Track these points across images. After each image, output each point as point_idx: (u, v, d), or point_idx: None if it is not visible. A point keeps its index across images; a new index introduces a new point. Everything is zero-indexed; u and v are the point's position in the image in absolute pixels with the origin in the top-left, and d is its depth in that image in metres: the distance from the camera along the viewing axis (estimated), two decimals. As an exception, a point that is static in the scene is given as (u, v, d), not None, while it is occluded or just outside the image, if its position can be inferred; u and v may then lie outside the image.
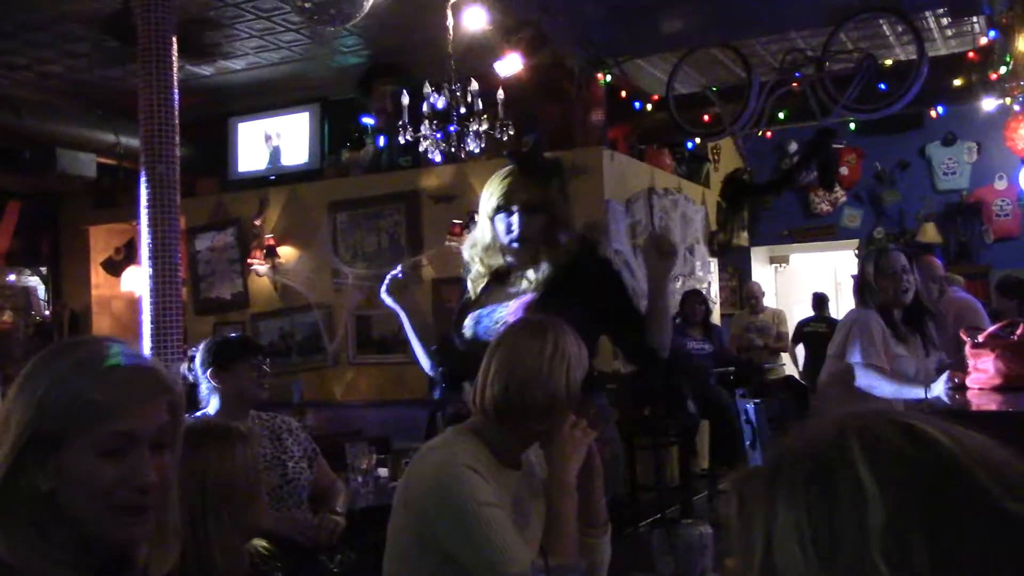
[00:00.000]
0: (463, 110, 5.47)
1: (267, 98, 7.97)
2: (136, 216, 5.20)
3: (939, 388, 3.59)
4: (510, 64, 5.94)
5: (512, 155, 3.01)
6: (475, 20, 5.39)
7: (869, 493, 0.69)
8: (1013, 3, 6.28)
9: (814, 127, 8.08)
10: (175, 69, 5.03)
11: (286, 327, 7.77)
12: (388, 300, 2.99)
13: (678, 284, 7.99)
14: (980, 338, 3.74)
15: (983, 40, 7.02)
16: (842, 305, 9.33)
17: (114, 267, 9.00)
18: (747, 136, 8.88)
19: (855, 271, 4.07)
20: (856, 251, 9.52)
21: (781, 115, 7.07)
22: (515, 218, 2.78)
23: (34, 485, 1.23)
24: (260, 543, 3.01)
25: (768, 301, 9.30)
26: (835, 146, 9.16)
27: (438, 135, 5.53)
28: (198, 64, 7.10)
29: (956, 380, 3.82)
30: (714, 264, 9.10)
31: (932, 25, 7.42)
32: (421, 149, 6.48)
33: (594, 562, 2.10)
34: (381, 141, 7.47)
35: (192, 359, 3.45)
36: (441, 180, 7.15)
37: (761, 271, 10.49)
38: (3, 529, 1.23)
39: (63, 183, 8.08)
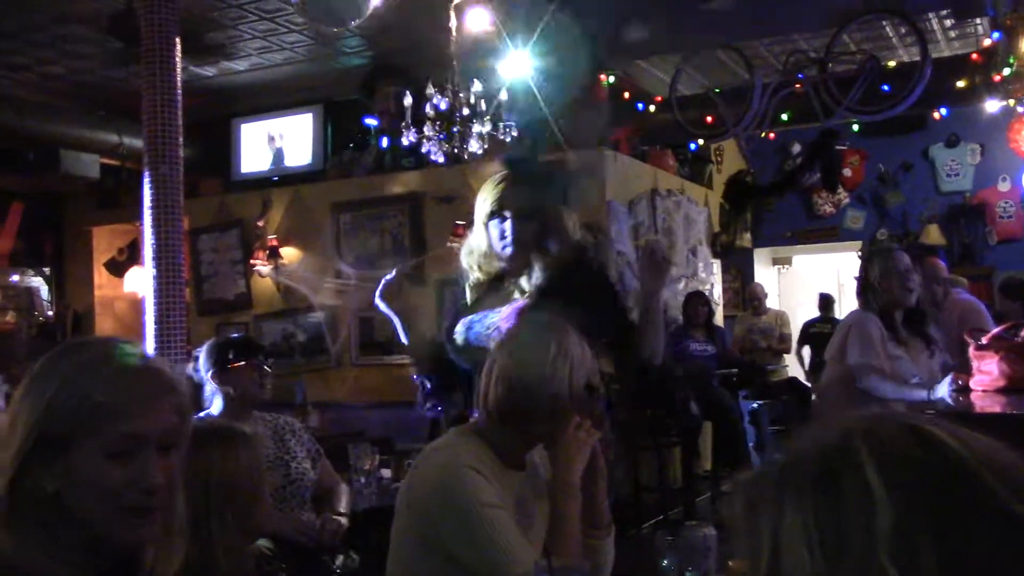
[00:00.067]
0: (466, 111, 5.47)
1: (270, 99, 7.98)
2: (139, 217, 5.21)
3: (943, 390, 3.59)
4: (513, 65, 5.93)
5: (507, 159, 3.00)
6: (478, 21, 5.38)
7: (877, 495, 0.69)
8: (1017, 5, 6.28)
9: (817, 129, 8.07)
10: (179, 70, 5.04)
11: (289, 328, 7.78)
12: (382, 306, 2.97)
13: (681, 285, 7.99)
14: (984, 340, 3.75)
15: (987, 41, 7.01)
16: (845, 307, 9.32)
17: (117, 268, 9.01)
18: (750, 137, 8.88)
19: (859, 273, 4.04)
20: (859, 253, 9.51)
21: (784, 116, 7.05)
22: (508, 224, 2.77)
23: (42, 486, 1.23)
24: (263, 543, 3.01)
25: (771, 303, 9.29)
26: (838, 148, 9.14)
27: (441, 136, 5.53)
28: (201, 65, 7.10)
29: (959, 382, 3.83)
30: (717, 266, 9.10)
31: (935, 27, 7.42)
32: (424, 150, 6.49)
33: (597, 563, 2.10)
34: (384, 142, 7.47)
35: (197, 359, 3.46)
36: (444, 181, 7.15)
37: (764, 273, 10.48)
38: (11, 530, 1.23)
39: (66, 184, 8.10)
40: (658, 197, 7.69)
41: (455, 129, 5.58)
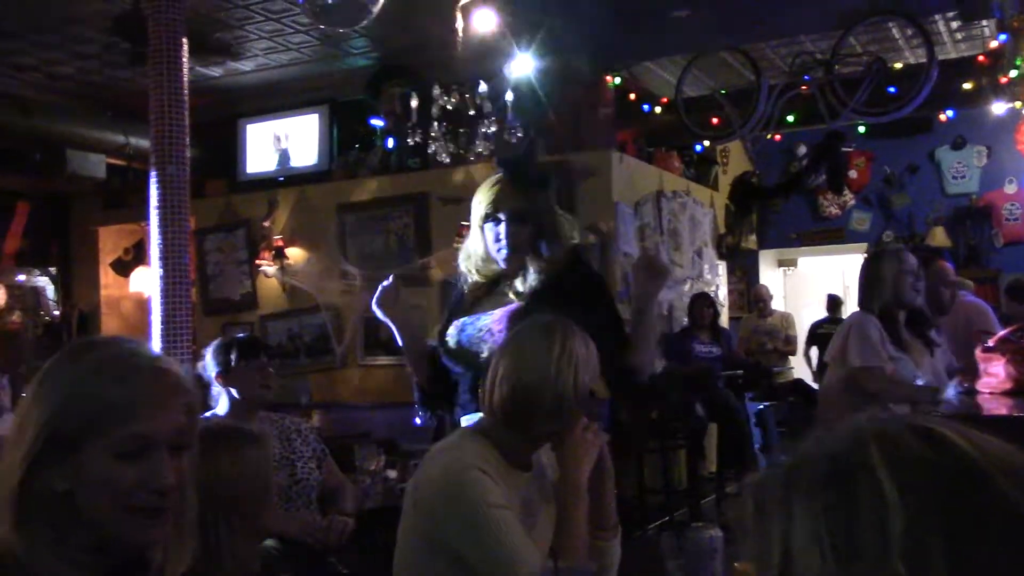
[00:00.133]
0: (472, 112, 5.48)
1: (276, 99, 7.98)
2: (145, 217, 5.22)
3: (948, 391, 3.58)
4: (520, 66, 5.94)
5: (502, 162, 2.98)
6: (484, 22, 5.39)
7: (889, 498, 0.69)
8: (1023, 7, 6.27)
9: (823, 130, 8.06)
10: (185, 70, 5.04)
11: (294, 328, 7.78)
12: (379, 313, 2.93)
13: (686, 287, 7.99)
14: (991, 342, 3.74)
15: (993, 43, 7.00)
16: (852, 309, 9.30)
17: (123, 268, 9.02)
18: (756, 139, 8.88)
19: (862, 273, 4.02)
20: (866, 255, 9.49)
21: (790, 118, 7.05)
22: (502, 227, 2.75)
23: (52, 487, 1.23)
24: (270, 543, 3.01)
25: (776, 304, 9.29)
26: (844, 149, 9.14)
27: (447, 137, 5.54)
28: (207, 65, 7.11)
29: (965, 385, 3.82)
30: (722, 267, 9.09)
31: (942, 28, 7.41)
32: (430, 151, 6.50)
33: (604, 565, 2.10)
34: (390, 143, 7.47)
35: (205, 359, 3.47)
36: (449, 182, 7.15)
37: (769, 274, 10.48)
38: (21, 530, 1.23)
39: (73, 184, 8.11)
40: (664, 198, 7.69)
41: (461, 130, 5.59)
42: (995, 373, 3.72)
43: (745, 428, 6.79)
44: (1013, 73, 6.53)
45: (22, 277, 8.97)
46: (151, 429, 1.27)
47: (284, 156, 8.19)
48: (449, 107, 5.68)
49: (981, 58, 6.87)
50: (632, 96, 7.50)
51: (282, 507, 3.25)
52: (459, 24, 5.30)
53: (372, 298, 2.95)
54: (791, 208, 10.11)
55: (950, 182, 9.57)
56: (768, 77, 7.04)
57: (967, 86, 6.80)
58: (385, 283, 2.94)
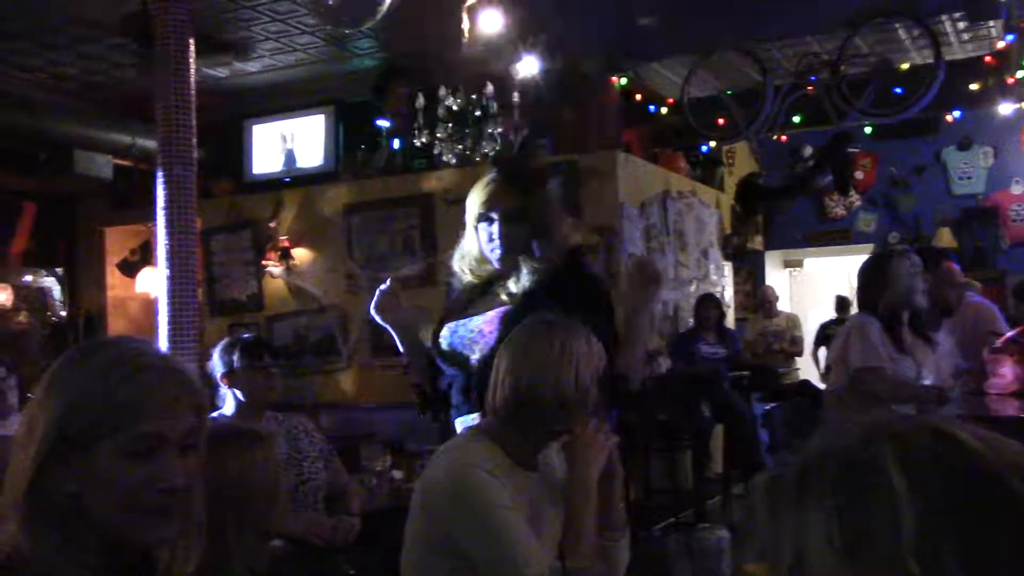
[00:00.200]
0: (478, 113, 5.48)
1: (282, 100, 7.99)
2: (152, 218, 5.23)
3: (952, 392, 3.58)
4: (526, 67, 5.94)
5: (496, 161, 2.96)
6: (491, 23, 5.39)
7: (901, 497, 0.69)
8: (1031, 7, 6.26)
9: (829, 131, 8.05)
10: (192, 71, 5.05)
11: (300, 329, 7.79)
12: (378, 318, 2.88)
13: (692, 288, 7.98)
14: (998, 343, 3.73)
15: (1000, 44, 6.99)
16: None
17: (129, 268, 9.03)
18: (762, 140, 8.87)
19: (864, 275, 4.00)
20: (868, 256, 9.47)
21: (796, 119, 7.05)
22: (495, 226, 2.71)
23: (61, 487, 1.23)
24: (277, 543, 3.02)
25: (782, 305, 9.27)
26: (850, 150, 9.12)
27: (453, 137, 5.54)
28: (214, 66, 7.12)
29: (971, 385, 3.81)
30: (728, 268, 9.08)
31: (948, 29, 7.39)
32: (436, 151, 6.50)
33: (611, 565, 2.10)
34: (396, 143, 7.48)
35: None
36: (455, 183, 7.15)
37: (775, 275, 10.46)
38: (30, 530, 1.23)
39: (79, 185, 8.13)
40: (669, 199, 7.68)
41: (467, 130, 5.59)
42: (1003, 374, 3.71)
43: (751, 429, 6.80)
44: (1020, 74, 6.52)
45: (29, 278, 8.99)
46: (161, 429, 1.27)
47: (290, 157, 8.20)
48: (455, 108, 5.67)
49: (988, 59, 6.86)
50: (638, 97, 7.49)
51: (289, 507, 3.26)
52: (465, 25, 5.31)
53: (370, 302, 2.92)
54: (797, 209, 10.09)
55: (956, 183, 9.55)
56: (774, 78, 7.04)
57: (974, 87, 6.79)
58: (383, 287, 2.90)
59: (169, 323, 4.97)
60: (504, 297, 2.71)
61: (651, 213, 7.37)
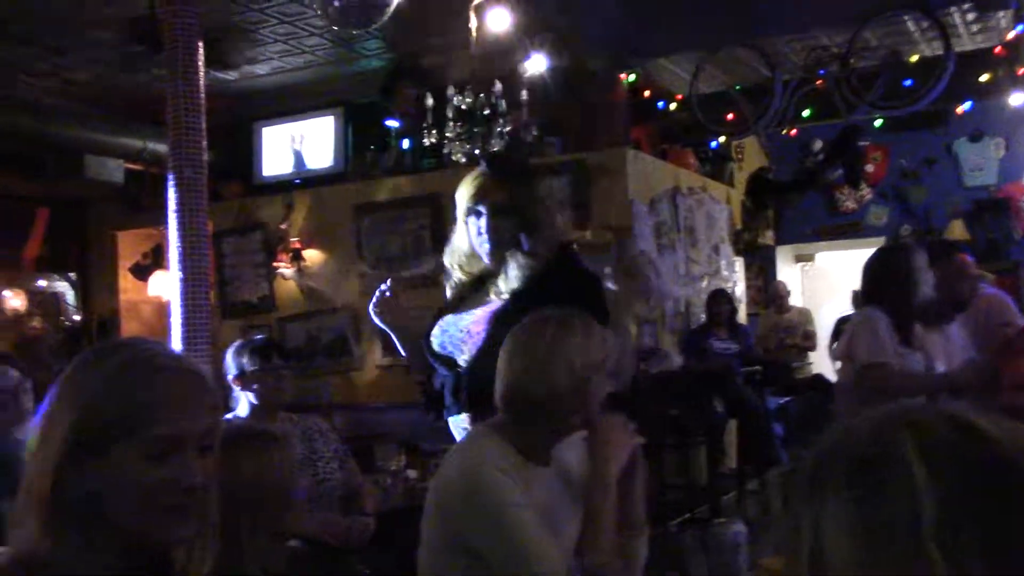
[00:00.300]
0: (487, 112, 5.48)
1: (291, 102, 8.00)
2: (163, 221, 5.24)
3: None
4: (534, 65, 5.94)
5: (485, 155, 2.94)
6: (498, 21, 5.39)
7: (921, 485, 0.69)
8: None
9: (839, 125, 8.03)
10: (201, 74, 5.06)
11: (312, 330, 7.80)
12: (377, 320, 2.85)
13: (704, 284, 7.97)
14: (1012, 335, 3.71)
15: (1010, 35, 6.96)
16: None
17: (142, 272, 9.06)
18: (771, 135, 8.85)
19: (872, 269, 3.96)
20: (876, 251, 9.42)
21: (806, 113, 7.03)
22: (484, 220, 2.68)
23: (80, 488, 1.24)
24: (291, 543, 3.02)
25: (794, 300, 9.25)
26: (860, 143, 9.09)
27: (462, 136, 5.54)
28: (222, 69, 7.14)
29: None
30: (739, 263, 9.06)
31: (958, 20, 7.36)
32: (445, 151, 6.51)
33: (629, 562, 2.09)
34: (405, 143, 7.48)
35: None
36: (465, 182, 7.15)
37: (787, 270, 10.43)
38: (49, 532, 1.24)
39: (91, 189, 8.16)
40: (679, 196, 7.67)
41: (476, 129, 5.59)
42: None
43: (764, 424, 6.79)
44: (1030, 64, 6.49)
45: (42, 283, 9.03)
46: (180, 430, 1.28)
47: (300, 158, 8.21)
48: (464, 107, 5.68)
49: (998, 49, 6.83)
50: (647, 93, 7.48)
51: (304, 508, 3.27)
52: (473, 24, 5.31)
53: (369, 304, 2.89)
54: (808, 203, 10.06)
55: (968, 175, 9.51)
56: (783, 72, 7.02)
57: (984, 78, 6.76)
58: (382, 287, 2.87)
59: (182, 326, 4.98)
60: (494, 295, 2.69)
61: (661, 210, 7.36)
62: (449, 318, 2.74)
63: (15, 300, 8.47)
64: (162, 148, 5.85)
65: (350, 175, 7.89)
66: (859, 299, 9.15)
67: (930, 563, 0.67)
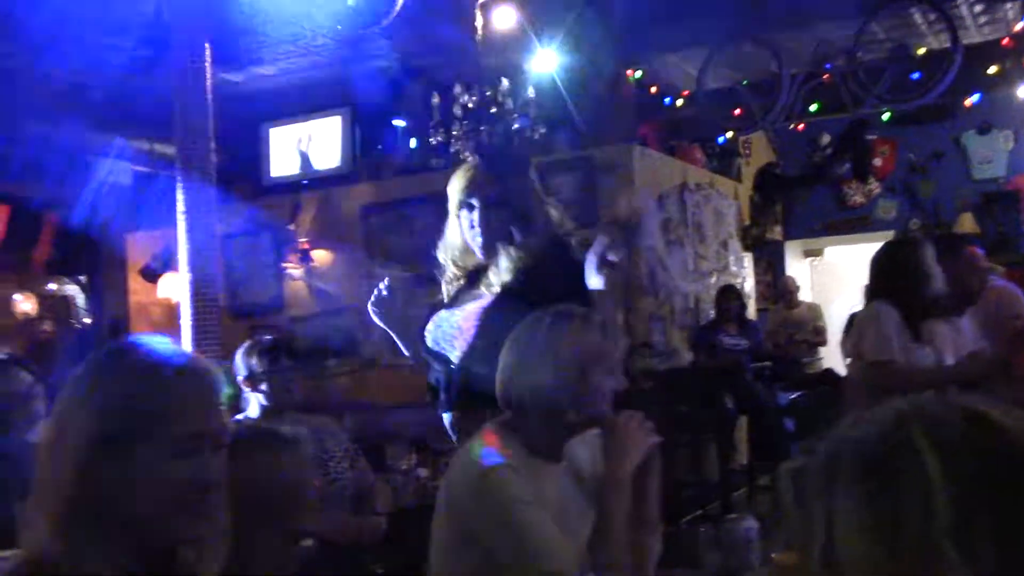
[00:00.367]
0: (493, 110, 5.47)
1: (298, 103, 8.01)
2: (172, 223, 5.25)
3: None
4: (540, 62, 5.94)
5: (477, 148, 2.93)
6: (504, 19, 5.39)
7: (933, 478, 0.69)
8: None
9: (847, 119, 8.01)
10: (208, 75, 5.07)
11: (322, 331, 7.81)
12: (377, 319, 2.83)
13: (713, 280, 7.96)
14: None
15: (1017, 26, 6.93)
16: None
17: (151, 274, 9.08)
18: (779, 129, 8.82)
19: (879, 264, 3.93)
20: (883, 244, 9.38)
21: (813, 107, 7.01)
22: (476, 214, 2.67)
23: (100, 488, 1.24)
24: (303, 543, 3.03)
25: (803, 295, 9.22)
26: (868, 137, 9.07)
27: (469, 135, 5.53)
28: (229, 70, 7.14)
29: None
30: (748, 259, 9.04)
31: (965, 12, 7.33)
32: (452, 150, 6.50)
33: (641, 560, 2.08)
34: (412, 143, 7.48)
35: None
36: (473, 181, 7.15)
37: (796, 265, 10.41)
38: (62, 532, 1.24)
39: (100, 192, 8.17)
40: (687, 192, 7.66)
41: (482, 127, 5.58)
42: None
43: (775, 420, 6.78)
44: (1039, 56, 6.47)
45: (53, 286, 9.06)
46: (202, 428, 1.31)
47: (307, 159, 8.22)
48: (471, 105, 5.67)
49: (1005, 41, 6.81)
50: (653, 89, 7.47)
51: (317, 508, 3.27)
52: (479, 22, 5.31)
53: (368, 303, 2.87)
54: (816, 198, 10.03)
55: (977, 167, 9.47)
56: (790, 67, 7.00)
57: (992, 70, 6.74)
58: (381, 286, 2.85)
59: (192, 327, 5.00)
60: (485, 289, 2.67)
61: (669, 206, 7.35)
62: (443, 313, 2.73)
63: (26, 303, 8.50)
64: (170, 151, 5.86)
65: (358, 175, 7.90)
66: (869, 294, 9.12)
67: (943, 556, 0.67)
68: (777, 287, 9.40)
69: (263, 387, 3.37)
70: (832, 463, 0.76)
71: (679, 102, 7.47)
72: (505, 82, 5.45)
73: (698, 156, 8.21)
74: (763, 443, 6.88)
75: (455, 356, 2.66)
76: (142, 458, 1.26)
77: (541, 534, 1.93)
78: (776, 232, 9.89)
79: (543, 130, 5.58)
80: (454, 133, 5.58)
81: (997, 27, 7.62)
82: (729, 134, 7.92)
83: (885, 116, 7.74)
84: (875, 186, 9.90)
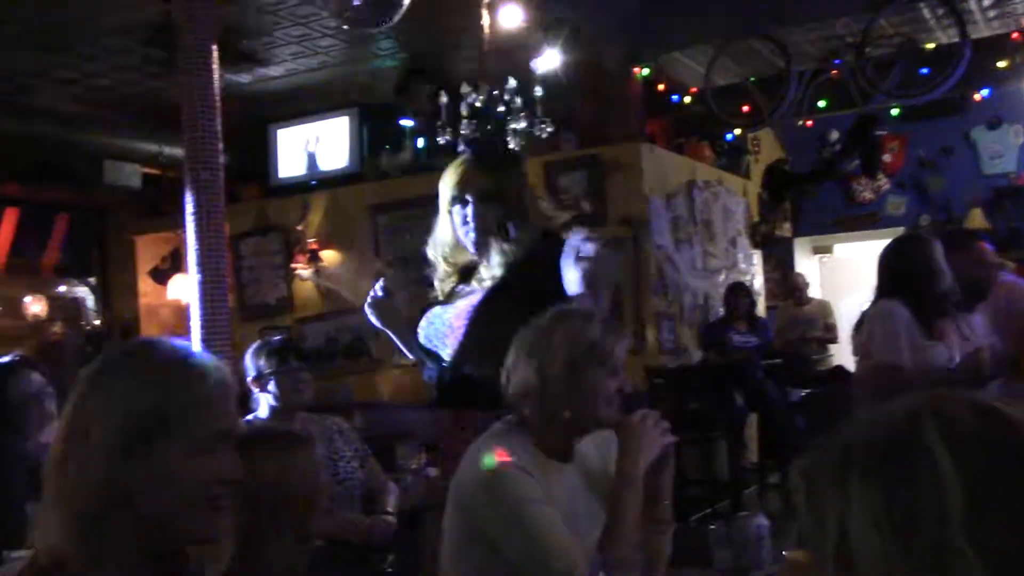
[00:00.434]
0: (501, 109, 5.47)
1: (306, 104, 8.02)
2: (181, 225, 5.27)
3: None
4: (548, 61, 5.93)
5: (469, 143, 2.92)
6: (511, 18, 5.38)
7: (947, 475, 0.69)
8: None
9: (855, 115, 7.98)
10: (216, 77, 5.08)
11: (331, 331, 7.82)
12: (373, 320, 2.82)
13: (722, 277, 7.95)
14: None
15: (1027, 20, 6.90)
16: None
17: (161, 276, 9.11)
18: (787, 126, 8.80)
19: (888, 261, 3.90)
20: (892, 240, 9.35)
21: (821, 103, 6.99)
22: (470, 209, 2.65)
23: (119, 486, 1.25)
24: (314, 543, 3.03)
25: (813, 292, 9.20)
26: (877, 133, 9.03)
27: (477, 134, 5.53)
28: (236, 72, 7.16)
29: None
30: (757, 256, 9.03)
31: (973, 7, 7.30)
32: (460, 149, 6.50)
33: (653, 558, 2.08)
34: (420, 142, 7.49)
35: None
36: (481, 180, 7.14)
37: (805, 262, 10.38)
38: (75, 532, 1.24)
39: (109, 195, 8.21)
40: (696, 189, 7.65)
41: (490, 127, 5.58)
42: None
43: (785, 417, 6.76)
44: (1048, 50, 6.44)
45: (63, 288, 9.09)
46: (225, 425, 1.33)
47: (316, 159, 8.23)
48: (478, 104, 5.67)
49: (1015, 35, 6.77)
50: (661, 87, 7.46)
51: (328, 508, 3.27)
52: (485, 20, 5.31)
53: (365, 304, 2.85)
54: (825, 194, 10.00)
55: (987, 163, 9.43)
56: (798, 63, 6.98)
57: (1001, 64, 6.71)
58: (376, 287, 2.83)
59: (201, 328, 5.01)
60: (476, 283, 2.66)
61: (677, 204, 7.34)
62: (436, 310, 2.72)
63: (36, 305, 8.53)
64: (178, 152, 5.88)
65: (366, 175, 7.91)
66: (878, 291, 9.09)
67: (958, 552, 0.67)
68: (786, 284, 9.38)
69: (272, 387, 3.38)
70: (844, 461, 0.75)
71: (687, 99, 7.46)
72: (512, 81, 5.45)
73: (706, 153, 8.19)
74: (773, 440, 6.87)
75: (447, 354, 2.65)
76: (169, 456, 1.27)
77: (549, 533, 1.93)
78: (785, 229, 9.86)
79: (550, 128, 5.56)
80: (462, 132, 5.57)
81: (1006, 21, 7.59)
82: (737, 131, 7.90)
83: (894, 112, 7.72)
84: (884, 182, 9.86)
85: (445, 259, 2.77)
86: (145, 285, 9.24)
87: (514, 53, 5.73)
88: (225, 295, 5.14)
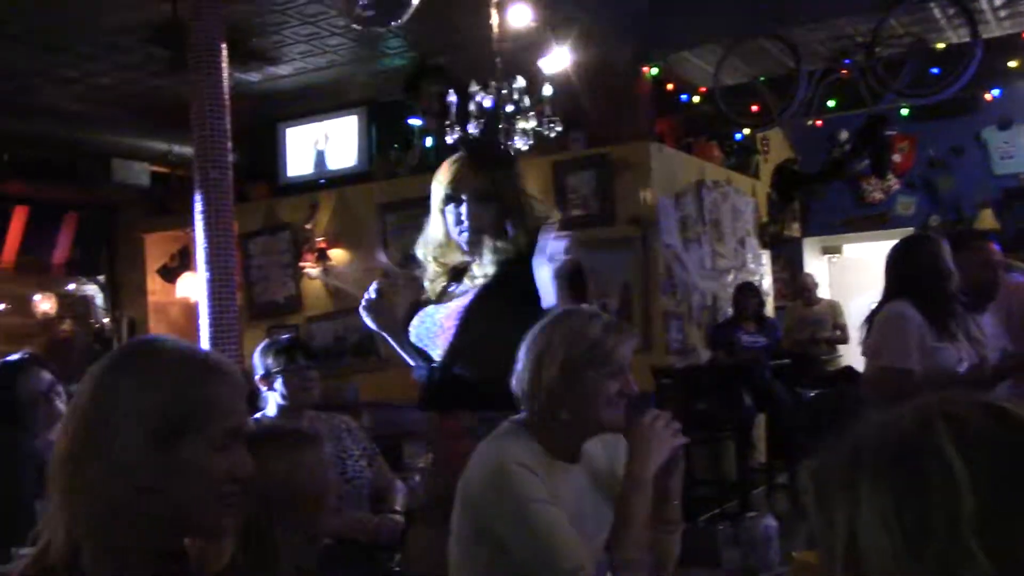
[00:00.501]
0: (510, 108, 5.46)
1: (315, 103, 8.03)
2: (190, 223, 5.28)
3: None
4: (556, 60, 5.92)
5: (462, 142, 2.90)
6: (520, 17, 5.38)
7: (959, 476, 0.68)
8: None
9: (865, 114, 7.96)
10: (225, 76, 5.09)
11: (339, 330, 7.83)
12: (368, 322, 2.80)
13: (730, 277, 7.93)
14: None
15: (1038, 20, 6.87)
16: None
17: (169, 274, 9.13)
18: (797, 126, 8.78)
19: (897, 262, 3.88)
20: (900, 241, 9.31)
21: (831, 103, 6.97)
22: (464, 208, 2.63)
23: (145, 483, 1.25)
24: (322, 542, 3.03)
25: (822, 292, 9.18)
26: (887, 133, 9.00)
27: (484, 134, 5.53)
28: (245, 71, 7.17)
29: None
30: (766, 256, 9.01)
31: (984, 6, 7.27)
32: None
33: (661, 559, 2.07)
34: (428, 141, 7.49)
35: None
36: (489, 179, 7.14)
37: (814, 262, 10.36)
38: (83, 529, 1.24)
39: (118, 193, 8.23)
40: (704, 189, 7.63)
41: (499, 126, 5.56)
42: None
43: (794, 417, 6.75)
44: (1060, 49, 6.41)
45: (72, 286, 9.12)
46: (239, 422, 1.35)
47: (324, 158, 8.24)
48: (486, 104, 5.66)
49: (1026, 35, 6.75)
50: (670, 86, 7.45)
51: (337, 507, 3.27)
52: (494, 19, 5.30)
53: (359, 306, 2.84)
54: (834, 194, 9.97)
55: (997, 163, 9.39)
56: (807, 62, 6.97)
57: (1012, 64, 6.68)
58: (370, 289, 2.80)
59: (210, 327, 5.02)
60: (469, 282, 2.65)
61: (686, 204, 7.33)
62: (428, 308, 2.70)
63: (45, 303, 8.56)
64: (187, 151, 5.89)
65: (374, 174, 7.91)
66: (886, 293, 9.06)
67: (970, 554, 0.66)
68: (795, 284, 9.36)
69: (280, 386, 3.38)
70: (854, 462, 0.75)
71: (696, 99, 7.44)
72: (521, 80, 5.44)
73: (715, 153, 8.18)
74: (782, 441, 6.86)
75: (437, 354, 2.65)
76: (187, 454, 1.28)
77: (556, 533, 1.93)
78: (794, 229, 9.84)
79: (559, 128, 5.56)
80: (470, 131, 5.57)
81: (1017, 21, 7.56)
82: (746, 131, 7.89)
83: (904, 112, 7.69)
84: (894, 182, 9.83)
85: (435, 259, 2.75)
86: (154, 283, 9.26)
87: (523, 52, 5.72)
88: (233, 293, 5.15)
